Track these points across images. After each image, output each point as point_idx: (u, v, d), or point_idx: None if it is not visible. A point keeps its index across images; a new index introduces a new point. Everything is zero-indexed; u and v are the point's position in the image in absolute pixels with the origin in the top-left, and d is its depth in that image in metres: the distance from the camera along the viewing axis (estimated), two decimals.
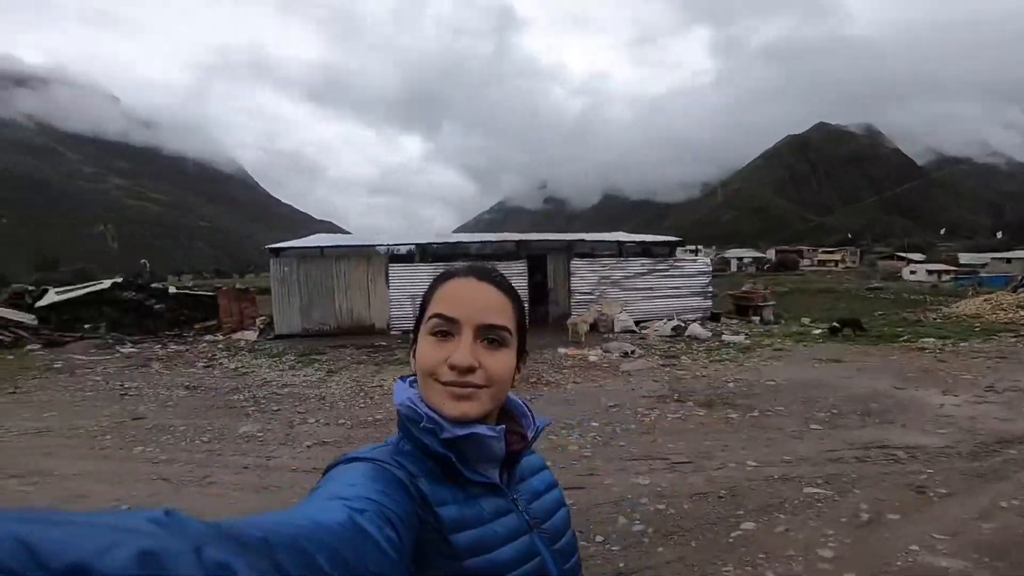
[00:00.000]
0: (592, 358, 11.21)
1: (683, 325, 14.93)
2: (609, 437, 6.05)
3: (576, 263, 17.32)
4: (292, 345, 14.04)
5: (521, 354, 0.83)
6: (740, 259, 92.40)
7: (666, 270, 18.01)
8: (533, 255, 17.26)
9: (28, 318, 16.05)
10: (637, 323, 15.77)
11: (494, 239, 19.27)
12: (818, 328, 14.93)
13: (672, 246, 19.95)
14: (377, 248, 17.30)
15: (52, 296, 17.58)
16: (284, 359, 12.10)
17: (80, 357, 12.59)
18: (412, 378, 0.81)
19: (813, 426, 6.31)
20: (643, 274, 17.75)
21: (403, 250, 17.36)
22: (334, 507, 0.56)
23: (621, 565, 3.39)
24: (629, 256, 18.29)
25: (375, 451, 0.74)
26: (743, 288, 20.59)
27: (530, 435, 0.84)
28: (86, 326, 16.43)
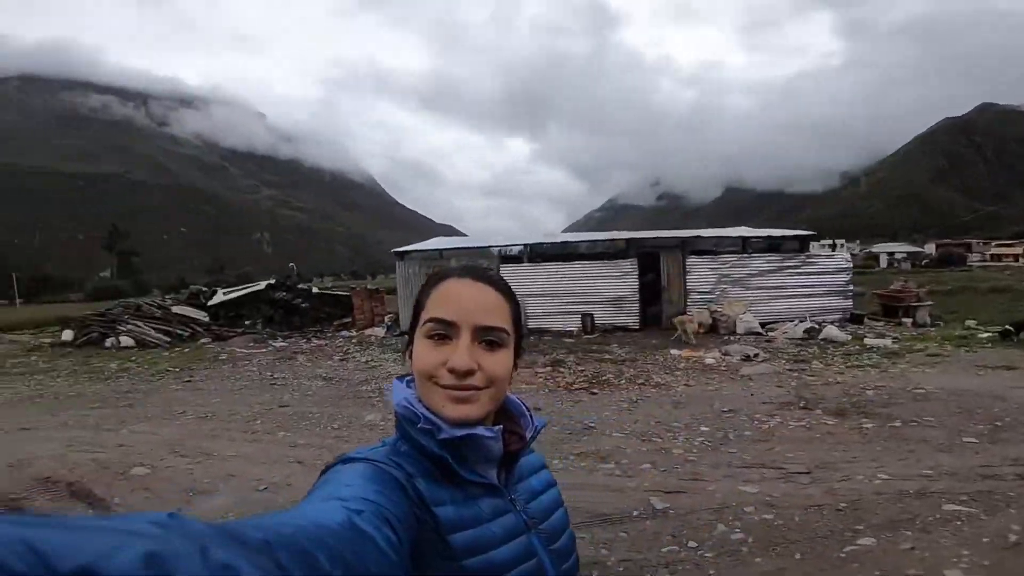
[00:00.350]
0: (708, 360, 10.68)
1: (817, 327, 13.66)
2: (719, 443, 5.75)
3: (692, 260, 16.51)
4: None
5: (518, 352, 0.83)
6: (891, 254, 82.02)
7: (798, 267, 16.54)
8: (645, 253, 16.78)
9: (201, 315, 18.75)
10: (763, 324, 14.69)
11: (603, 238, 19.01)
12: (986, 332, 12.88)
13: (804, 241, 18.31)
14: (490, 249, 17.92)
15: (220, 296, 20.38)
16: (407, 354, 12.95)
17: (240, 350, 14.48)
18: (409, 378, 0.82)
19: (967, 439, 5.51)
20: (770, 272, 16.44)
21: (514, 251, 17.77)
22: (332, 508, 0.57)
23: (712, 572, 3.25)
24: (754, 252, 17.11)
25: (372, 451, 0.75)
26: (892, 286, 18.32)
27: (528, 435, 0.84)
28: (246, 322, 18.86)
